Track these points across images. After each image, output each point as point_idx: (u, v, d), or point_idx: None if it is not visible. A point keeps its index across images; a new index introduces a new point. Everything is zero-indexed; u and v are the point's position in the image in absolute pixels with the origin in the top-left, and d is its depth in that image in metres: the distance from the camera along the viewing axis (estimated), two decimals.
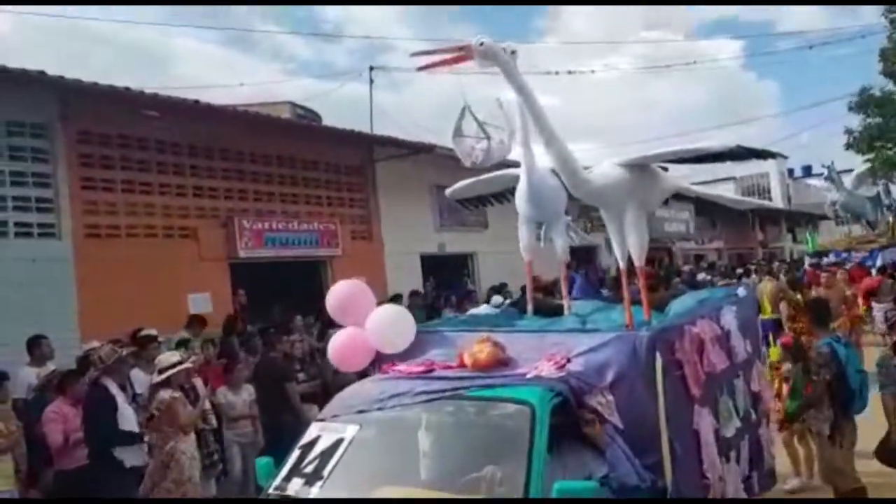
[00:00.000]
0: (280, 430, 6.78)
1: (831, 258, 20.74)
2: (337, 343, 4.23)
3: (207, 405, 6.82)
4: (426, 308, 12.47)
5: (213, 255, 10.29)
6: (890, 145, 21.06)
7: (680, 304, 4.82)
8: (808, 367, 5.73)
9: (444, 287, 14.95)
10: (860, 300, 12.66)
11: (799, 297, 11.34)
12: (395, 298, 11.76)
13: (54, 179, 8.66)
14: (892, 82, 20.37)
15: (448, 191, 5.48)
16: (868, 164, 22.21)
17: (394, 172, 13.39)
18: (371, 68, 19.25)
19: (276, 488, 3.40)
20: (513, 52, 4.14)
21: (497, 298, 10.27)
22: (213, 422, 6.98)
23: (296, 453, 3.46)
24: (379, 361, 4.11)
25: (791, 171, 46.52)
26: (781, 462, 6.19)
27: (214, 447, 6.96)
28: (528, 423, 3.04)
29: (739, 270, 19.65)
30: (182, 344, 7.65)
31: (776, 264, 21.79)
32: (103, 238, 9.09)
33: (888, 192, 23.90)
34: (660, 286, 10.57)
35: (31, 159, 8.50)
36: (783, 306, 11.18)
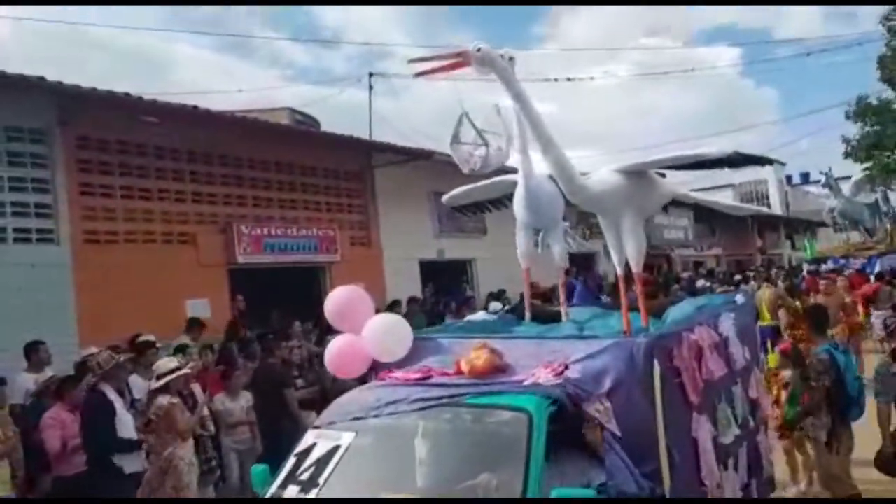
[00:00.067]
0: (278, 436, 6.76)
1: (829, 265, 20.78)
2: (334, 350, 4.21)
3: (206, 411, 6.82)
4: (429, 314, 12.48)
5: (212, 260, 10.29)
6: (888, 153, 21.12)
7: (678, 311, 4.82)
8: (806, 374, 5.74)
9: (443, 293, 14.93)
10: (859, 307, 12.66)
11: (797, 304, 11.34)
12: (394, 305, 11.76)
13: (53, 185, 8.66)
14: (891, 88, 20.43)
15: (445, 197, 5.47)
16: (866, 172, 22.28)
17: (393, 178, 13.41)
18: (370, 74, 19.23)
19: (272, 496, 3.39)
20: (511, 59, 4.14)
21: (495, 305, 10.27)
22: (212, 428, 6.98)
23: (291, 461, 3.45)
24: (376, 368, 4.10)
25: (789, 178, 46.66)
26: (780, 469, 6.18)
27: (212, 454, 6.96)
28: (525, 431, 3.03)
29: (738, 277, 19.66)
30: (180, 350, 7.64)
31: (774, 271, 21.82)
32: (102, 244, 9.08)
33: (886, 199, 23.98)
34: (659, 293, 10.59)
35: (30, 165, 8.51)
36: (782, 313, 11.18)
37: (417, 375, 3.70)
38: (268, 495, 3.41)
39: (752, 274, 19.22)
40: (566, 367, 3.49)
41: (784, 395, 6.19)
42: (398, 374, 3.81)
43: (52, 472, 6.00)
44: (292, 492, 3.30)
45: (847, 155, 21.82)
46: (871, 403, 5.50)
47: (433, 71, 4.00)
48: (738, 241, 31.20)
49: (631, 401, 3.45)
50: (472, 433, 3.28)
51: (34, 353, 7.14)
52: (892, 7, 19.76)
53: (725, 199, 25.72)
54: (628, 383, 3.47)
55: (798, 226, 37.89)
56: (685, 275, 21.39)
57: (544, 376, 3.39)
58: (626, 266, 4.36)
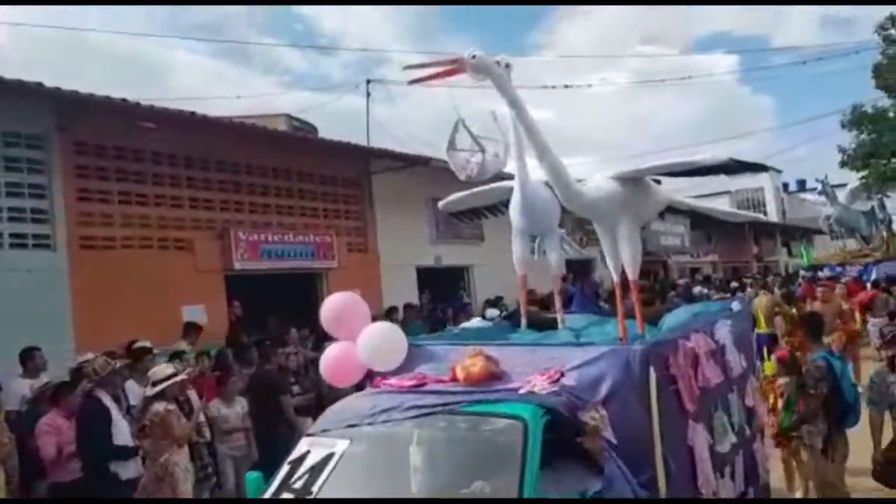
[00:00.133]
0: (274, 442, 6.75)
1: (826, 272, 20.82)
2: (329, 358, 4.20)
3: (202, 418, 6.80)
4: (430, 321, 12.49)
5: (209, 266, 10.28)
6: (884, 161, 21.20)
7: (674, 318, 4.81)
8: (803, 381, 5.73)
9: (440, 300, 14.93)
10: (857, 315, 12.68)
11: (794, 311, 11.36)
12: (391, 311, 11.76)
13: (50, 190, 8.65)
14: (888, 96, 20.52)
15: (441, 203, 5.47)
16: (863, 181, 22.37)
17: (390, 185, 13.41)
18: (368, 81, 19.27)
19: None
20: (507, 66, 4.14)
21: (492, 311, 10.27)
22: (207, 434, 6.96)
23: (285, 468, 3.43)
24: (371, 375, 4.09)
25: (786, 186, 46.83)
26: (776, 477, 6.18)
27: (208, 460, 6.94)
28: (520, 439, 3.02)
29: (734, 284, 19.68)
30: (176, 356, 7.63)
31: (771, 278, 21.86)
32: (98, 249, 9.07)
33: (882, 207, 24.04)
34: (655, 299, 10.59)
35: (27, 170, 8.50)
36: (779, 320, 11.19)
37: (412, 383, 3.69)
38: None
39: (748, 281, 19.24)
40: (562, 375, 3.48)
41: (781, 402, 6.18)
42: (393, 381, 3.80)
43: (48, 478, 5.99)
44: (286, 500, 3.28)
45: (843, 164, 21.91)
46: (864, 412, 5.51)
47: (428, 78, 4.01)
48: (735, 248, 31.25)
49: (627, 409, 3.45)
50: (467, 441, 3.26)
51: (30, 359, 7.13)
52: (887, 16, 19.88)
53: (722, 206, 25.68)
54: (624, 391, 3.47)
55: (794, 233, 37.96)
56: (681, 281, 21.39)
57: (540, 384, 3.38)
58: (623, 273, 4.36)
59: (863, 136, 21.26)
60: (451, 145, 4.52)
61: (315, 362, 8.05)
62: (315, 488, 3.22)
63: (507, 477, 2.95)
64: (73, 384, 6.24)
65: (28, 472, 6.09)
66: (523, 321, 5.00)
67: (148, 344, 7.75)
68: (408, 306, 12.49)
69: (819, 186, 23.66)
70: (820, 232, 30.69)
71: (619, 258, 4.32)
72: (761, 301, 12.69)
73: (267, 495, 3.39)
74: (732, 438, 4.55)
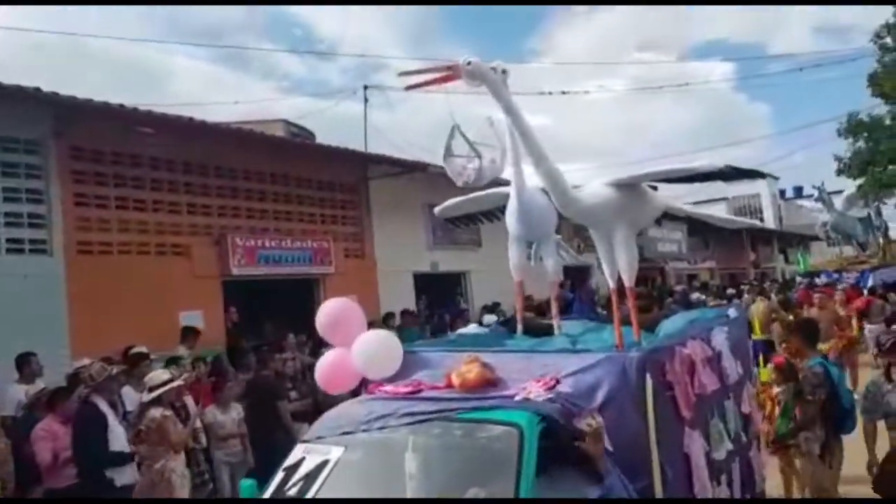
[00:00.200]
0: (271, 448, 6.73)
1: (823, 279, 20.85)
2: (324, 365, 4.19)
3: (198, 424, 6.79)
4: (430, 327, 12.50)
5: (206, 272, 10.28)
6: (881, 168, 21.26)
7: (670, 325, 4.81)
8: (800, 387, 5.73)
9: (437, 306, 14.94)
10: (854, 321, 12.69)
11: (791, 317, 11.37)
12: (388, 317, 11.76)
13: (47, 196, 8.66)
14: (885, 103, 20.58)
15: (437, 209, 5.46)
16: (860, 188, 22.42)
17: (387, 191, 13.43)
18: (365, 87, 19.29)
19: None
20: (503, 72, 4.14)
21: (490, 317, 10.28)
22: (204, 441, 6.94)
23: (280, 475, 3.41)
24: (366, 381, 4.07)
25: (783, 192, 46.92)
26: (774, 484, 6.17)
27: (205, 466, 6.92)
28: (515, 446, 3.00)
29: (731, 291, 19.70)
30: (172, 362, 7.62)
31: (768, 284, 21.89)
32: (95, 255, 9.07)
33: (879, 214, 24.11)
34: (653, 306, 10.59)
35: (25, 175, 8.51)
36: (776, 327, 11.20)
37: (408, 389, 3.67)
38: None
39: (745, 287, 19.27)
40: (558, 382, 3.47)
41: (777, 409, 6.16)
42: (388, 387, 3.78)
43: (43, 484, 5.97)
44: None
45: (840, 172, 21.98)
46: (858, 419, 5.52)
47: (424, 84, 4.00)
48: (732, 255, 31.29)
49: (623, 416, 3.43)
50: (463, 448, 3.24)
51: (26, 365, 7.12)
52: (882, 24, 19.95)
53: (719, 212, 25.81)
54: (620, 398, 3.45)
55: (791, 239, 38.07)
56: (679, 288, 21.43)
57: (536, 391, 3.36)
58: (619, 279, 4.36)
59: (859, 144, 21.32)
60: (448, 151, 4.51)
61: (312, 368, 8.03)
62: (310, 495, 3.21)
63: (502, 484, 2.94)
64: (69, 390, 6.23)
65: (23, 478, 6.07)
66: (519, 327, 4.99)
67: (144, 350, 7.74)
68: (405, 312, 12.50)
69: (816, 193, 23.74)
70: (816, 238, 30.79)
71: (616, 265, 4.30)
72: (758, 307, 12.72)
73: None
74: (729, 446, 4.54)
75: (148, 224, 9.75)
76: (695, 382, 4.07)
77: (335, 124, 18.42)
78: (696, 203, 23.24)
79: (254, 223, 11.22)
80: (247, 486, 3.61)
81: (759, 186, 41.78)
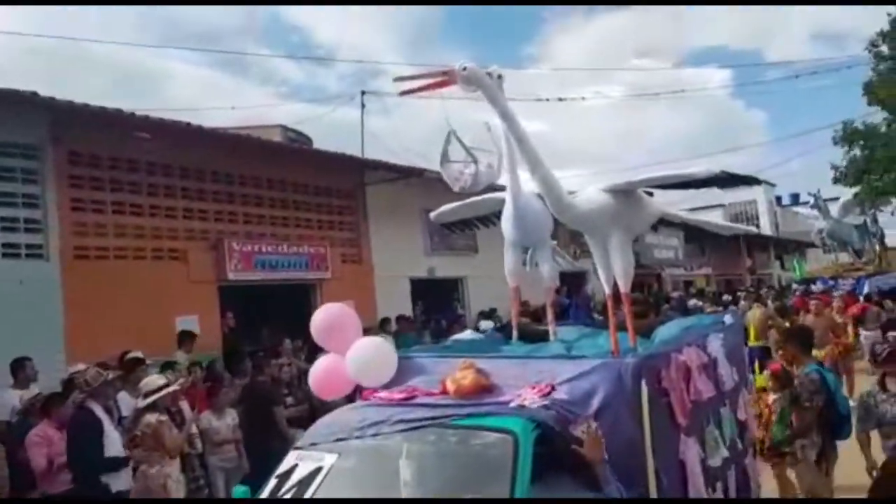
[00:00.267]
0: (266, 454, 6.71)
1: (819, 285, 20.89)
2: (318, 371, 4.18)
3: (194, 429, 6.77)
4: (430, 332, 12.49)
5: (203, 277, 10.26)
6: (876, 176, 21.32)
7: (666, 331, 4.81)
8: (796, 394, 5.73)
9: (434, 311, 14.93)
10: (850, 328, 12.71)
11: (787, 324, 11.38)
12: (385, 323, 11.75)
13: (43, 200, 8.64)
14: (883, 110, 20.64)
15: (432, 214, 5.46)
16: (855, 195, 22.48)
17: (384, 196, 13.42)
18: (363, 93, 19.32)
19: None
20: (499, 77, 4.15)
21: (486, 323, 10.26)
22: (199, 446, 6.93)
23: (273, 482, 3.40)
24: (360, 387, 4.07)
25: (779, 199, 46.97)
26: (770, 489, 6.17)
27: (200, 472, 6.90)
28: (510, 453, 3.00)
29: (727, 297, 19.72)
30: (168, 367, 7.60)
31: (764, 291, 21.91)
32: (92, 260, 9.05)
33: (875, 221, 24.17)
34: (649, 312, 10.61)
35: (21, 180, 8.49)
36: (773, 333, 11.21)
37: (402, 395, 3.66)
38: None
39: (742, 294, 19.29)
40: (553, 388, 3.47)
41: (774, 416, 6.16)
42: (382, 393, 3.77)
43: (38, 489, 5.95)
44: None
45: (836, 180, 22.03)
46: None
47: (419, 89, 4.00)
48: (728, 261, 31.33)
49: (618, 422, 3.42)
50: (457, 455, 3.22)
51: (20, 370, 7.10)
52: (877, 32, 20.03)
53: (716, 219, 25.83)
54: (616, 405, 3.44)
55: (787, 246, 38.12)
56: (675, 294, 21.45)
57: (531, 397, 3.36)
58: (615, 285, 4.36)
59: (854, 152, 21.39)
60: (445, 157, 4.52)
61: (308, 374, 8.04)
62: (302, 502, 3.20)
63: (497, 491, 2.93)
64: (64, 395, 6.21)
65: (18, 484, 6.04)
66: (515, 333, 4.99)
67: (140, 355, 7.72)
68: (401, 318, 12.49)
69: (812, 200, 23.79)
70: (813, 245, 30.79)
71: (611, 270, 4.31)
72: (755, 314, 12.74)
73: None
74: (724, 453, 4.54)
75: (144, 229, 9.73)
76: (690, 389, 4.06)
77: (332, 130, 18.50)
78: (692, 209, 23.27)
79: (250, 228, 11.21)
80: (240, 492, 3.60)
81: (756, 193, 41.85)
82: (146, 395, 5.86)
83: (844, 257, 26.07)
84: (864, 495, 5.27)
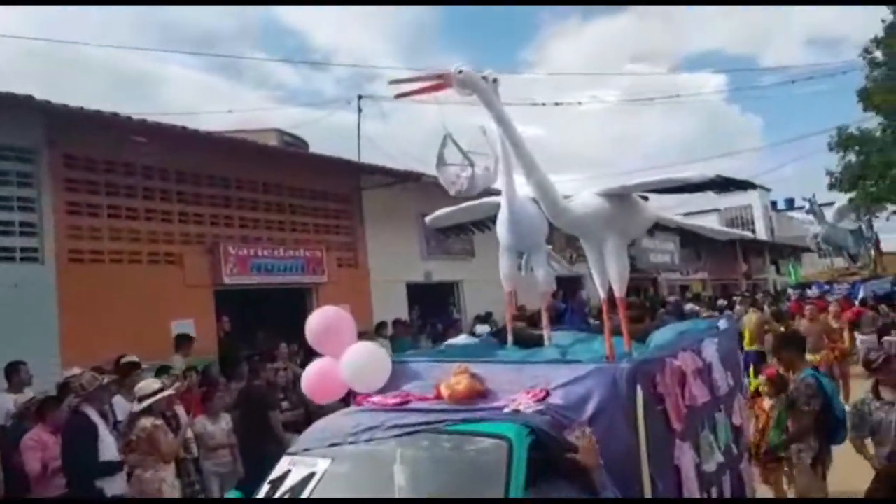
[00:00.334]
0: (262, 459, 6.69)
1: (814, 290, 20.93)
2: (311, 374, 4.16)
3: (189, 434, 6.75)
4: (427, 336, 12.48)
5: (198, 281, 10.25)
6: (872, 182, 21.37)
7: (661, 336, 4.80)
8: (793, 398, 5.73)
9: (430, 315, 14.92)
10: (845, 333, 12.73)
11: (783, 329, 11.40)
12: (381, 327, 11.74)
13: (38, 204, 8.64)
14: (877, 113, 20.68)
15: (428, 219, 5.44)
16: (850, 200, 22.53)
17: (381, 200, 13.43)
18: (359, 97, 19.27)
19: None
20: (494, 81, 4.14)
21: (482, 328, 10.26)
22: (195, 451, 6.91)
23: (265, 488, 3.38)
24: (354, 392, 4.05)
25: (774, 204, 47.11)
26: (764, 494, 6.17)
27: (195, 477, 6.89)
28: (505, 458, 2.99)
29: (723, 302, 19.74)
30: (163, 371, 7.58)
31: (760, 296, 21.94)
32: (87, 263, 9.04)
33: (870, 226, 24.24)
34: (645, 316, 10.59)
35: (17, 184, 8.49)
36: (769, 338, 11.22)
37: (396, 400, 3.64)
38: None
39: (737, 298, 19.33)
40: (548, 393, 3.46)
41: (772, 422, 6.15)
42: (376, 398, 3.75)
43: (32, 494, 5.92)
44: None
45: (832, 186, 22.09)
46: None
47: (414, 92, 4.00)
48: (724, 266, 31.39)
49: (613, 427, 3.41)
50: (451, 461, 3.20)
51: (15, 374, 7.08)
52: (872, 39, 20.09)
53: (711, 223, 25.91)
54: (611, 410, 3.43)
55: (783, 251, 38.21)
56: (671, 298, 21.47)
57: (525, 402, 3.35)
58: (610, 290, 4.35)
59: (850, 158, 21.44)
60: (441, 160, 4.51)
61: None
62: None
63: (491, 497, 2.93)
64: (59, 399, 6.20)
65: (13, 488, 6.03)
66: (510, 338, 4.98)
67: (136, 359, 7.71)
68: (397, 322, 12.48)
69: (807, 205, 23.87)
70: (808, 250, 30.89)
71: (606, 275, 4.29)
72: (750, 319, 12.76)
73: None
74: (719, 458, 4.52)
75: (140, 232, 9.72)
76: (685, 394, 4.05)
77: (329, 134, 18.43)
78: (687, 214, 23.35)
79: (246, 232, 11.21)
80: (234, 497, 3.58)
81: (751, 198, 41.98)
82: (141, 400, 5.85)
83: (840, 262, 26.15)
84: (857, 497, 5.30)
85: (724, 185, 4.03)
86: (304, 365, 9.16)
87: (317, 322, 4.15)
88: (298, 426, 7.47)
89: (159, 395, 5.90)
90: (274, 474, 3.43)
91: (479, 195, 4.78)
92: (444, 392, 3.54)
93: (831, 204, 24.37)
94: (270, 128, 16.21)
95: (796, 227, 34.95)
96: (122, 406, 6.73)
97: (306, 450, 3.51)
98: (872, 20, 20.03)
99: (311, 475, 3.27)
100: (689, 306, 17.64)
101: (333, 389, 4.10)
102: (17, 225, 8.43)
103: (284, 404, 8.32)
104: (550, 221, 4.40)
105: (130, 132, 9.22)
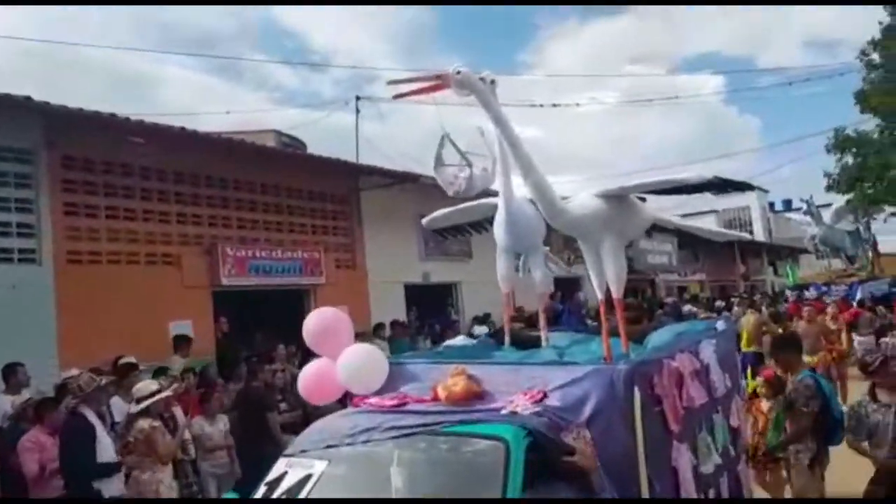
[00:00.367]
0: (259, 460, 6.69)
1: (812, 291, 20.95)
2: (307, 375, 4.15)
3: (187, 435, 6.75)
4: (426, 337, 12.48)
5: (196, 282, 10.25)
6: (869, 184, 21.42)
7: (658, 338, 4.80)
8: (791, 400, 5.74)
9: (428, 317, 14.92)
10: (843, 334, 12.74)
11: (781, 330, 11.41)
12: (379, 328, 11.74)
13: (36, 205, 8.63)
14: (874, 115, 20.73)
15: (425, 220, 5.42)
16: (848, 202, 22.58)
17: (379, 202, 13.43)
18: (357, 98, 19.27)
19: None
20: (492, 82, 4.14)
21: (480, 329, 10.27)
22: (192, 452, 6.90)
23: (262, 489, 3.37)
24: (351, 393, 4.04)
25: (772, 205, 47.15)
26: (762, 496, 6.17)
27: (193, 478, 6.88)
28: (502, 460, 2.98)
29: (720, 303, 19.74)
30: (161, 372, 7.58)
31: (758, 297, 21.96)
32: (85, 264, 9.03)
33: (868, 227, 24.28)
34: (642, 318, 10.60)
35: (15, 185, 8.48)
36: (767, 339, 11.22)
37: (393, 402, 3.64)
38: None
39: (735, 299, 19.34)
40: (545, 395, 3.45)
41: (770, 423, 6.15)
42: (373, 400, 3.74)
43: (30, 495, 5.91)
44: None
45: (829, 188, 22.13)
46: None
47: (412, 93, 3.99)
48: (722, 267, 31.43)
49: (611, 429, 3.40)
50: (448, 462, 3.19)
51: (12, 375, 7.07)
52: (869, 41, 20.15)
53: (709, 225, 25.94)
54: (608, 411, 3.42)
55: (780, 252, 38.27)
56: (669, 299, 21.47)
57: (522, 404, 3.34)
58: (607, 291, 4.35)
59: (847, 160, 21.48)
60: (439, 161, 4.50)
61: None
62: None
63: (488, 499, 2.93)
64: (56, 400, 6.19)
65: (10, 490, 6.02)
66: (507, 339, 4.98)
67: (133, 360, 7.70)
68: (395, 323, 12.48)
69: (804, 206, 23.89)
70: (806, 251, 30.97)
71: (604, 276, 4.29)
72: (748, 320, 12.76)
73: None
74: (717, 459, 4.52)
75: (138, 233, 9.72)
76: (683, 395, 4.05)
77: (327, 135, 18.45)
78: (685, 215, 23.37)
79: (244, 233, 11.21)
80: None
81: (749, 199, 42.05)
82: (139, 401, 5.84)
83: (837, 263, 26.18)
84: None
85: (722, 186, 4.03)
86: (301, 366, 9.20)
87: (314, 323, 4.15)
88: (296, 427, 7.46)
89: (157, 397, 5.89)
90: (271, 476, 3.42)
91: (477, 196, 4.77)
92: (441, 394, 3.52)
93: (829, 205, 24.39)
94: (268, 129, 16.22)
95: (794, 228, 35.01)
96: (119, 407, 6.73)
97: (303, 451, 3.49)
98: (870, 22, 20.09)
99: (308, 476, 3.26)
100: (686, 307, 17.63)
101: (330, 391, 4.09)
102: (14, 226, 8.42)
103: (282, 405, 8.31)
104: (548, 222, 4.40)
105: (129, 133, 9.22)
